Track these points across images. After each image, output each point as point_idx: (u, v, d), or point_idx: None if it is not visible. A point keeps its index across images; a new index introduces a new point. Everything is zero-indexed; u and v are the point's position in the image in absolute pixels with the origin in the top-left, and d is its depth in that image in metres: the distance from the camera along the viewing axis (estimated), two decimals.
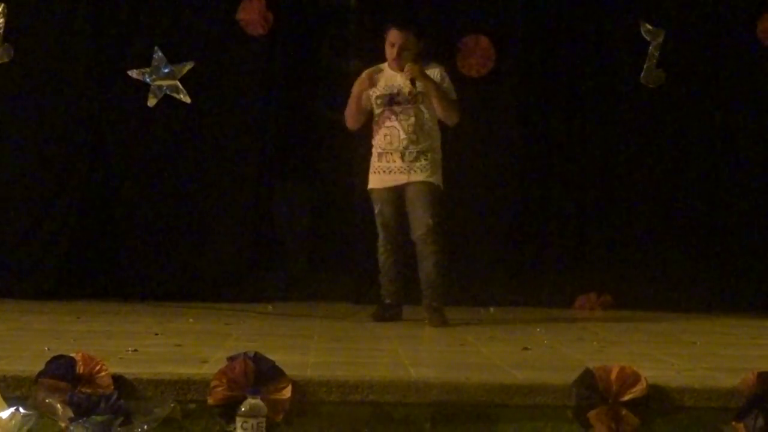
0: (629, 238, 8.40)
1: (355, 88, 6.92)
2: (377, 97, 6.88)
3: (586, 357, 4.95)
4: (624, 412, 4.07)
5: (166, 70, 7.98)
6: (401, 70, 6.78)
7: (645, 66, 8.02)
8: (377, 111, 6.89)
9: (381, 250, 6.96)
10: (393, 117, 6.82)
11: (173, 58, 8.00)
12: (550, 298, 8.20)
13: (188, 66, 7.99)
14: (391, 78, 6.88)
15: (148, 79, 7.95)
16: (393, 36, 6.82)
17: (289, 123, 8.62)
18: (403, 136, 6.79)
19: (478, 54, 8.13)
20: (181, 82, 7.99)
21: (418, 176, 6.78)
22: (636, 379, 4.12)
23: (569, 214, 8.45)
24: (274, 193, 8.60)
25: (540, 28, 8.41)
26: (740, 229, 8.36)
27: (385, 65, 6.96)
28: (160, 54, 7.97)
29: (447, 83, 6.87)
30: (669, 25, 8.13)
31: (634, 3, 8.24)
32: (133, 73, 7.94)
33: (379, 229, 6.96)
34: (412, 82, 6.73)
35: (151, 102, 7.98)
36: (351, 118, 7.02)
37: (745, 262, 8.30)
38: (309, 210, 9.17)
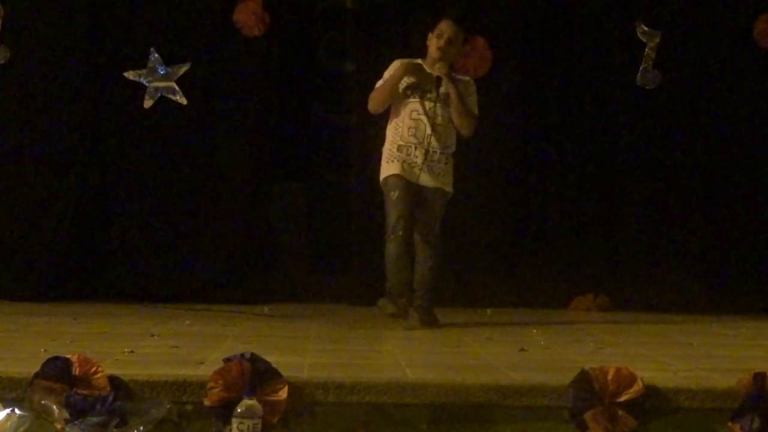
0: (626, 240, 8.42)
1: (398, 71, 6.66)
2: (407, 87, 6.68)
3: (582, 358, 4.95)
4: (620, 412, 4.07)
5: (163, 72, 7.98)
6: (441, 61, 6.62)
7: (641, 67, 8.03)
8: (404, 101, 6.69)
9: (392, 241, 6.59)
10: (422, 111, 6.64)
11: (169, 60, 8.01)
12: (546, 299, 8.22)
13: (184, 67, 8.00)
14: (425, 72, 6.68)
15: (144, 81, 7.95)
16: (445, 26, 6.66)
17: (286, 124, 8.63)
18: (429, 131, 6.61)
19: (475, 55, 8.14)
20: (177, 84, 8.00)
21: (439, 183, 6.67)
22: (632, 380, 4.11)
23: (566, 216, 8.47)
24: (270, 194, 8.60)
25: (537, 30, 8.43)
26: (736, 230, 8.38)
27: (419, 59, 6.76)
28: (156, 55, 7.98)
29: (472, 95, 6.75)
30: (665, 26, 8.14)
31: (630, 5, 8.25)
32: (130, 75, 7.95)
33: (393, 220, 6.60)
34: (438, 80, 6.59)
35: (148, 103, 7.99)
36: (379, 102, 6.73)
37: (741, 264, 8.32)
38: (305, 212, 9.17)
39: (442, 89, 6.60)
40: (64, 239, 8.16)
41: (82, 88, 8.16)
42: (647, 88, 8.02)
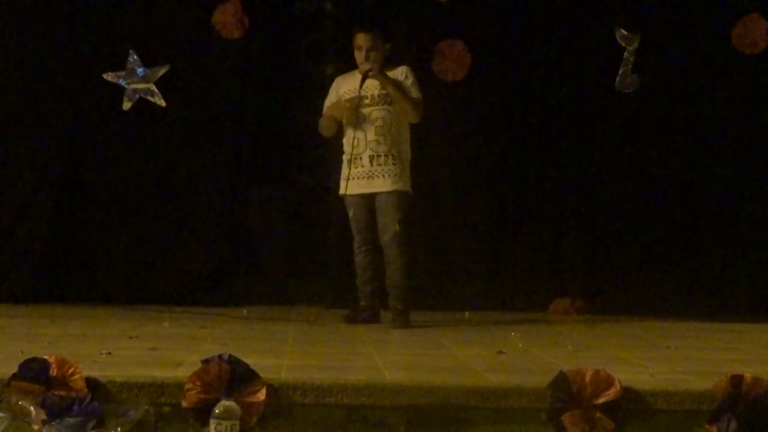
0: (604, 244, 8.45)
1: (335, 111, 6.93)
2: (347, 100, 6.88)
3: (560, 360, 4.96)
4: (598, 415, 4.08)
5: (141, 74, 7.94)
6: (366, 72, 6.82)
7: (620, 71, 8.03)
8: (345, 115, 6.91)
9: (356, 252, 7.01)
10: (361, 120, 6.82)
11: (148, 62, 7.98)
12: (525, 302, 8.24)
13: (163, 69, 7.96)
14: (359, 80, 6.88)
15: (122, 83, 7.91)
16: (360, 39, 6.88)
17: (265, 127, 8.62)
18: (371, 138, 6.81)
19: (453, 59, 8.14)
20: (156, 86, 7.97)
21: (387, 185, 6.81)
22: (610, 382, 4.12)
23: (545, 220, 8.49)
24: (249, 196, 8.60)
25: (515, 34, 8.46)
26: (714, 235, 8.42)
27: (354, 71, 7.01)
28: (135, 57, 7.94)
29: (410, 81, 6.87)
30: (644, 30, 8.16)
31: (609, 8, 8.26)
32: (108, 76, 7.91)
33: (354, 233, 7.00)
34: (363, 78, 6.79)
35: (126, 105, 7.94)
36: (327, 131, 7.06)
37: (718, 268, 8.35)
38: (284, 214, 9.16)
39: (376, 90, 6.81)
40: (42, 241, 8.14)
41: (60, 90, 8.15)
42: (626, 92, 8.01)
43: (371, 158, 6.81)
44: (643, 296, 8.17)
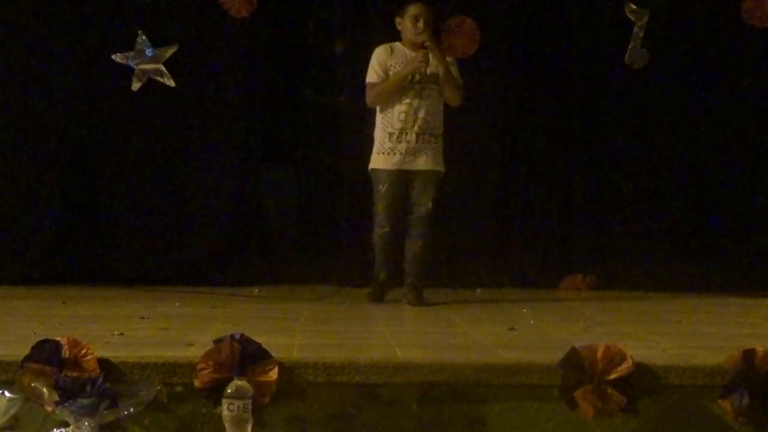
0: (615, 219, 8.43)
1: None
2: (395, 75, 6.84)
3: (572, 337, 4.96)
4: (610, 390, 4.08)
5: (150, 54, 7.93)
6: (423, 44, 6.79)
7: (629, 46, 8.00)
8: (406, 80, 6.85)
9: (378, 228, 6.92)
10: (413, 95, 6.81)
11: (157, 42, 7.97)
12: (536, 278, 8.23)
13: (172, 49, 7.95)
14: (409, 56, 6.87)
15: (131, 63, 7.90)
16: (418, 9, 6.84)
17: (274, 106, 8.61)
18: (421, 115, 6.78)
19: (462, 36, 8.09)
20: (164, 66, 7.96)
21: (430, 164, 6.83)
22: (622, 358, 4.12)
23: (555, 196, 8.48)
24: (259, 176, 8.60)
25: (525, 10, 8.42)
26: (726, 209, 8.39)
27: (397, 44, 6.96)
28: (143, 37, 7.93)
29: (454, 65, 6.95)
30: (654, 5, 8.12)
31: None
32: (117, 57, 7.90)
33: (380, 209, 6.89)
34: (423, 47, 6.75)
35: (135, 86, 7.93)
36: (385, 98, 6.86)
37: (730, 242, 8.33)
38: (295, 193, 9.16)
39: (431, 64, 6.75)
40: (52, 224, 8.15)
41: (68, 71, 8.14)
42: (635, 67, 7.98)
43: (418, 135, 6.79)
44: (654, 271, 8.15)
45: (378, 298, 6.94)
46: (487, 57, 8.14)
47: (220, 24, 8.12)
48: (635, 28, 7.79)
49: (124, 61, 7.72)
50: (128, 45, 7.45)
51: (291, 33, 8.78)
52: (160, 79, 7.77)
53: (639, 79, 8.09)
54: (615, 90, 8.38)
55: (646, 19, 7.90)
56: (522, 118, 8.47)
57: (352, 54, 8.02)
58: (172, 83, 7.51)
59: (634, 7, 7.53)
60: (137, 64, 7.81)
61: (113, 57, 7.66)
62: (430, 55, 6.77)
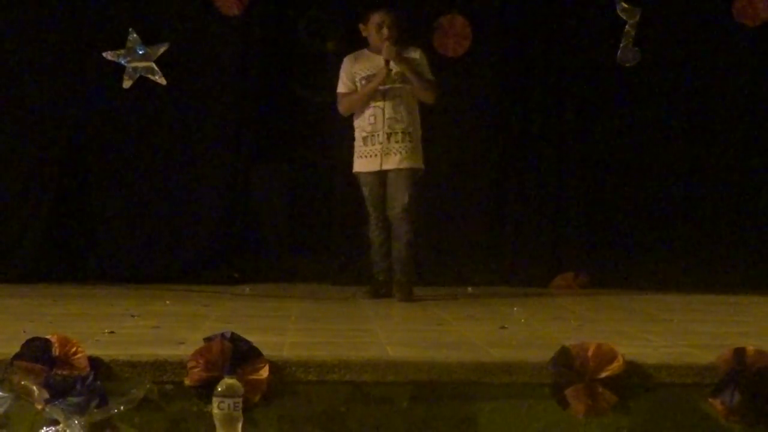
0: (606, 218, 8.43)
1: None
2: (363, 78, 6.99)
3: (563, 335, 4.95)
4: (601, 389, 4.08)
5: (141, 52, 7.92)
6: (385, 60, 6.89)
7: (621, 45, 8.01)
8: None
9: (372, 228, 7.08)
10: (378, 97, 6.92)
11: (148, 40, 7.95)
12: (527, 277, 8.22)
13: (163, 47, 7.94)
14: (374, 59, 6.99)
15: (122, 61, 7.89)
16: (381, 17, 6.94)
17: (266, 104, 8.59)
18: (388, 115, 6.88)
19: (454, 34, 8.09)
20: (156, 64, 7.95)
21: (404, 163, 6.91)
22: (613, 356, 4.12)
23: (547, 194, 8.47)
24: (251, 174, 8.59)
25: (516, 8, 8.42)
26: (716, 207, 8.40)
27: (364, 50, 7.10)
28: (134, 35, 7.92)
29: (423, 63, 6.99)
30: (645, 3, 8.13)
31: None
32: (108, 55, 7.89)
33: (370, 210, 7.07)
34: (387, 63, 6.85)
35: (126, 84, 7.92)
36: (353, 107, 7.05)
37: (721, 241, 8.34)
38: (286, 191, 9.14)
39: (393, 69, 6.86)
40: (43, 221, 8.14)
41: (59, 69, 8.13)
42: (627, 65, 7.99)
43: (388, 135, 6.90)
44: (646, 270, 8.16)
45: (376, 295, 7.01)
46: (479, 55, 8.15)
47: (212, 22, 8.12)
48: (627, 26, 7.79)
49: (115, 59, 7.70)
50: (119, 43, 7.45)
51: (283, 31, 8.75)
52: (151, 77, 7.76)
53: (631, 77, 8.09)
54: (607, 89, 8.37)
55: (637, 18, 7.91)
56: (513, 117, 8.47)
57: (344, 52, 8.00)
58: (163, 81, 7.50)
59: (626, 5, 7.54)
60: (128, 62, 7.79)
61: (104, 55, 7.65)
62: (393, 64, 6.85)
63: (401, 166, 6.91)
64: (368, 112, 6.95)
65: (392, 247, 6.98)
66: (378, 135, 6.91)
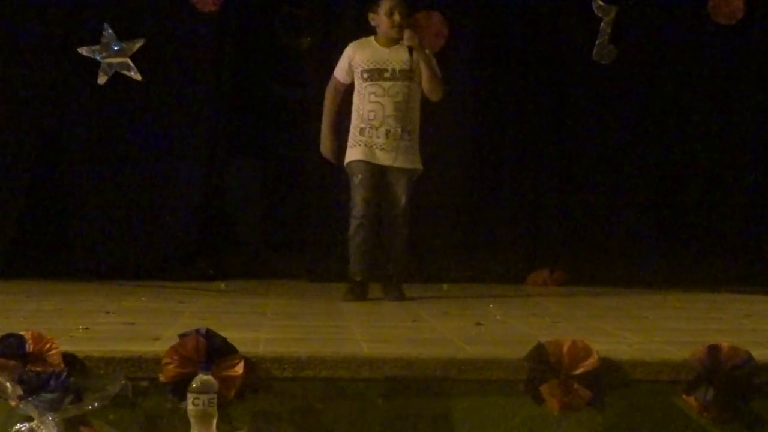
0: (582, 214, 8.45)
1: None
2: (364, 71, 6.80)
3: (538, 332, 4.96)
4: (575, 385, 4.08)
5: (117, 48, 7.89)
6: (400, 39, 6.78)
7: (597, 42, 8.02)
8: (363, 85, 6.82)
9: (355, 224, 6.77)
10: (381, 92, 6.77)
11: (123, 35, 7.93)
12: (503, 274, 8.24)
13: (139, 43, 7.91)
14: (379, 52, 6.84)
15: (98, 57, 7.86)
16: (391, 4, 6.79)
17: (241, 100, 8.58)
18: (389, 112, 6.73)
19: (430, 30, 8.09)
20: (131, 60, 7.92)
21: (402, 162, 6.77)
22: (588, 352, 4.12)
23: (522, 190, 8.49)
24: (226, 170, 8.57)
25: (493, 5, 8.42)
26: (693, 203, 8.44)
27: (370, 38, 6.94)
28: (110, 31, 7.89)
29: (434, 59, 6.91)
30: (621, 1, 8.15)
31: None
32: (83, 51, 7.86)
33: (357, 203, 6.77)
34: (410, 51, 6.75)
35: (102, 79, 7.89)
36: (324, 123, 7.03)
37: (697, 237, 8.37)
38: (261, 187, 9.14)
39: (414, 59, 6.75)
40: (17, 217, 8.10)
41: (33, 65, 8.09)
42: (603, 63, 8.01)
43: (387, 132, 6.74)
44: (622, 267, 8.19)
45: (354, 297, 6.74)
46: (455, 52, 8.15)
47: (188, 18, 8.07)
48: (602, 24, 7.81)
49: (90, 55, 7.68)
50: (95, 38, 7.42)
51: (259, 27, 8.74)
52: (126, 72, 7.73)
53: (606, 74, 8.10)
54: (583, 86, 8.40)
55: (613, 15, 7.93)
56: (489, 114, 8.49)
57: (320, 48, 8.00)
58: (139, 77, 7.48)
59: (602, 3, 7.55)
60: (104, 58, 7.76)
61: (80, 50, 7.62)
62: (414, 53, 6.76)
63: (401, 166, 6.77)
64: (368, 107, 6.77)
65: (388, 248, 6.86)
66: (377, 130, 6.74)
